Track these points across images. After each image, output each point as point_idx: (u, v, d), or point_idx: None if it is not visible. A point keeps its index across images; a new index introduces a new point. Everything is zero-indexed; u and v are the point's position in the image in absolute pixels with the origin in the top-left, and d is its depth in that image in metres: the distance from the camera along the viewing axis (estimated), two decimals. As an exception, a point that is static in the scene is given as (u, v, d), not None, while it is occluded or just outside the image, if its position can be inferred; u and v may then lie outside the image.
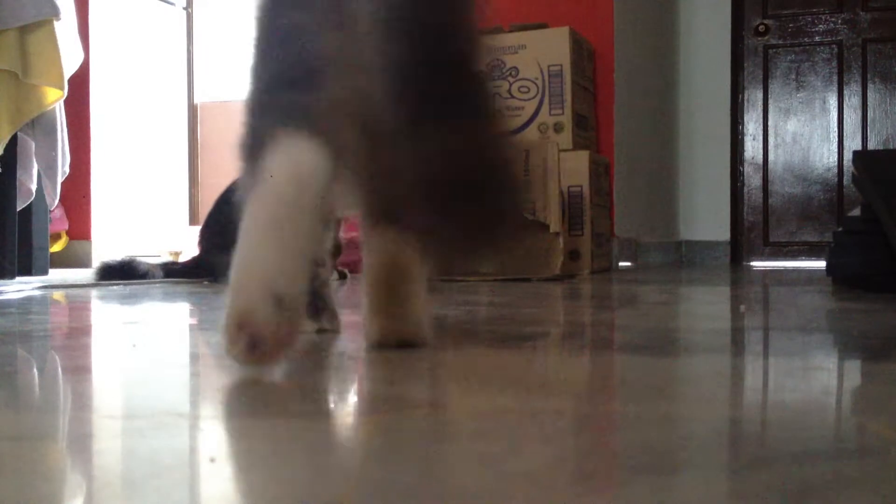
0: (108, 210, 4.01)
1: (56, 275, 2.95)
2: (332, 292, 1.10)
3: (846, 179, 4.46)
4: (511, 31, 3.16)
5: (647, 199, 4.06)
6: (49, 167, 2.65)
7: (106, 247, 3.90)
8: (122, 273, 2.40)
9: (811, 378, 0.78)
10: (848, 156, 4.46)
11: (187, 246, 4.34)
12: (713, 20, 4.59)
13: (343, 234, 3.07)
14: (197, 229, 2.58)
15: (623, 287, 2.21)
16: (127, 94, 4.12)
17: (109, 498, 0.43)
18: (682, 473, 0.47)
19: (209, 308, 1.62)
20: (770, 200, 4.60)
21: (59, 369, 0.87)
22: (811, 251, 4.52)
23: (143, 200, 4.24)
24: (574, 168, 2.92)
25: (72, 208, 3.87)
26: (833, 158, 4.51)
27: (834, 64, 4.50)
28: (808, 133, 4.55)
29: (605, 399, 0.71)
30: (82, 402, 0.68)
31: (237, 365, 0.73)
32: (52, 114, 2.62)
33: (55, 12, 2.48)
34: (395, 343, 0.89)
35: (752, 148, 4.64)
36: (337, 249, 2.52)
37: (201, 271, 2.48)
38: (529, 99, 3.09)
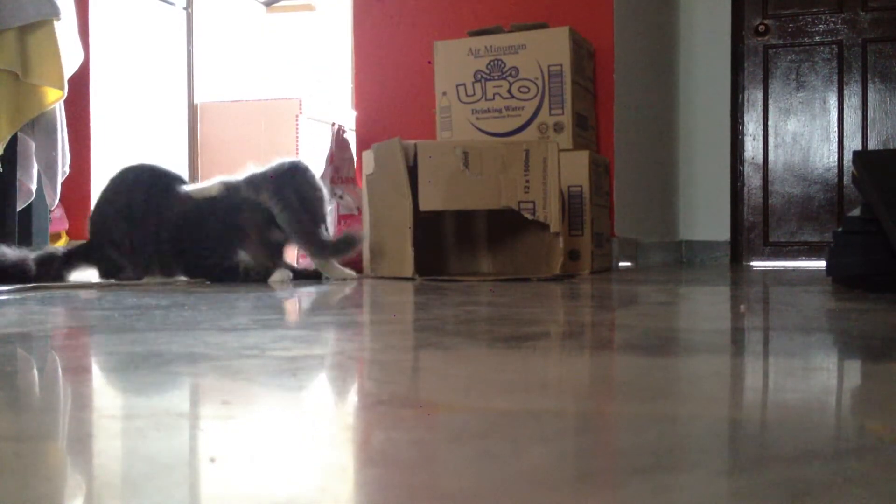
0: (108, 210, 4.01)
1: (56, 275, 2.94)
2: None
3: (846, 179, 4.46)
4: (511, 31, 3.16)
5: (647, 199, 4.06)
6: (49, 167, 2.65)
7: (106, 247, 3.90)
8: None
9: (811, 378, 0.78)
10: (848, 156, 4.46)
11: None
12: (713, 20, 4.59)
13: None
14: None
15: (623, 287, 2.21)
16: (127, 94, 4.12)
17: (109, 498, 0.43)
18: (682, 473, 0.47)
19: (207, 308, 1.62)
20: (770, 200, 4.60)
21: (59, 369, 0.87)
22: (811, 251, 4.52)
23: (143, 200, 4.23)
24: (574, 168, 2.92)
25: (72, 208, 3.87)
26: (833, 158, 4.51)
27: (834, 64, 4.50)
28: (808, 133, 4.55)
29: (605, 399, 0.71)
30: (82, 402, 0.68)
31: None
32: (52, 114, 2.62)
33: (55, 12, 2.48)
34: None
35: (752, 148, 4.64)
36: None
37: (90, 261, 2.46)
38: (529, 99, 3.09)
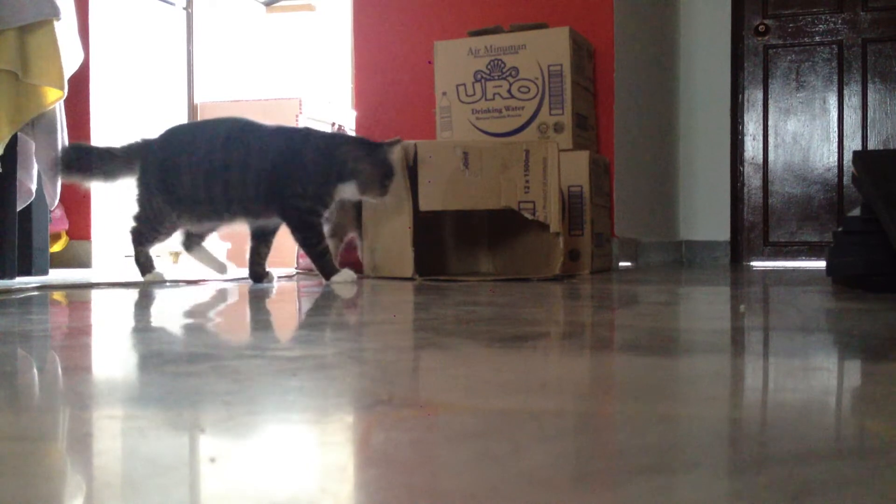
0: (108, 210, 4.01)
1: (56, 275, 2.95)
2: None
3: (846, 179, 4.46)
4: (511, 31, 3.16)
5: (647, 199, 4.06)
6: (49, 167, 2.65)
7: (106, 247, 3.90)
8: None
9: (811, 378, 0.78)
10: (848, 156, 4.46)
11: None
12: (713, 20, 4.59)
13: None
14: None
15: (623, 287, 2.21)
16: (127, 94, 4.12)
17: (109, 498, 0.43)
18: (682, 473, 0.47)
19: (210, 307, 1.62)
20: (770, 200, 4.60)
21: (59, 369, 0.87)
22: (811, 251, 4.52)
23: (143, 200, 4.22)
24: (574, 168, 2.91)
25: (72, 208, 3.87)
26: (833, 158, 4.51)
27: (834, 64, 4.50)
28: (808, 133, 4.55)
29: (605, 399, 0.71)
30: (82, 402, 0.68)
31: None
32: (52, 114, 2.62)
33: (55, 12, 2.47)
34: None
35: (752, 148, 4.64)
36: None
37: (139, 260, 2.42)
38: (529, 99, 3.09)
